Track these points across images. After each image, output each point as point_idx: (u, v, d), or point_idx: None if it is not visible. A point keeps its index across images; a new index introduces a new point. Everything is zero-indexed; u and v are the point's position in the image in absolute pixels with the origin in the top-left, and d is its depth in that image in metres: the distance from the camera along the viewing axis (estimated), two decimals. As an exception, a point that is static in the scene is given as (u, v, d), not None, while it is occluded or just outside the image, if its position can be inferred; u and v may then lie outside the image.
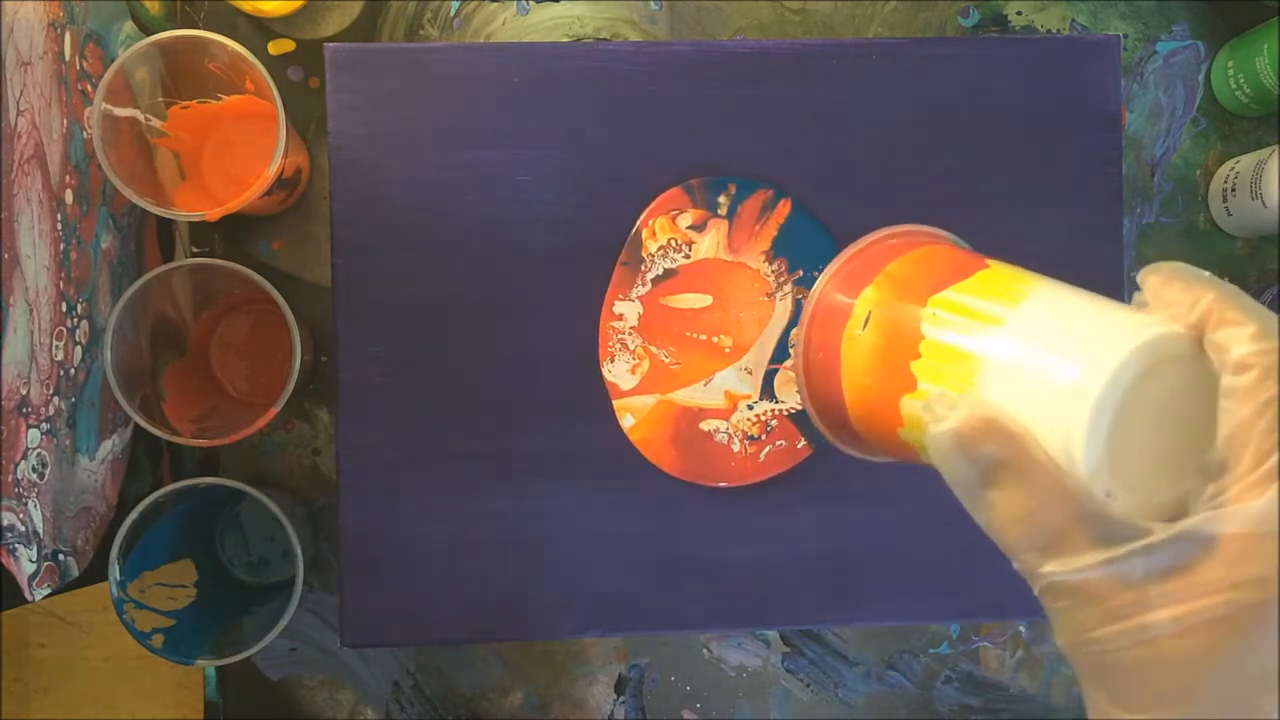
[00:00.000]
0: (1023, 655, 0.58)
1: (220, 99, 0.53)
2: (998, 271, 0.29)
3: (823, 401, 0.32)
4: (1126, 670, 0.24)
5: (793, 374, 0.51)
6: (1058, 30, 0.58)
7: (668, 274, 0.51)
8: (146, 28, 0.54)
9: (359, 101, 0.50)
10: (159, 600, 0.50)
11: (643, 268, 0.51)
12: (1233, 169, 0.56)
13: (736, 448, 0.51)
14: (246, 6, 0.54)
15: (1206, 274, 0.27)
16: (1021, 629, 0.58)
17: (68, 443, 0.48)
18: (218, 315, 0.56)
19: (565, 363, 0.51)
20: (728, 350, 0.51)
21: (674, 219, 0.51)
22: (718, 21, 0.57)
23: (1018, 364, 0.26)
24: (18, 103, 0.43)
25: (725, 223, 0.51)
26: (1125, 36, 0.58)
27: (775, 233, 0.51)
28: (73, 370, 0.48)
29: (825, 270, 0.32)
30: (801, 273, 0.51)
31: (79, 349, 0.49)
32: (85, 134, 0.49)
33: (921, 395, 0.28)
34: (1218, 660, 0.23)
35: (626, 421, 0.51)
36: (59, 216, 0.47)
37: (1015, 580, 0.53)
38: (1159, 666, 0.24)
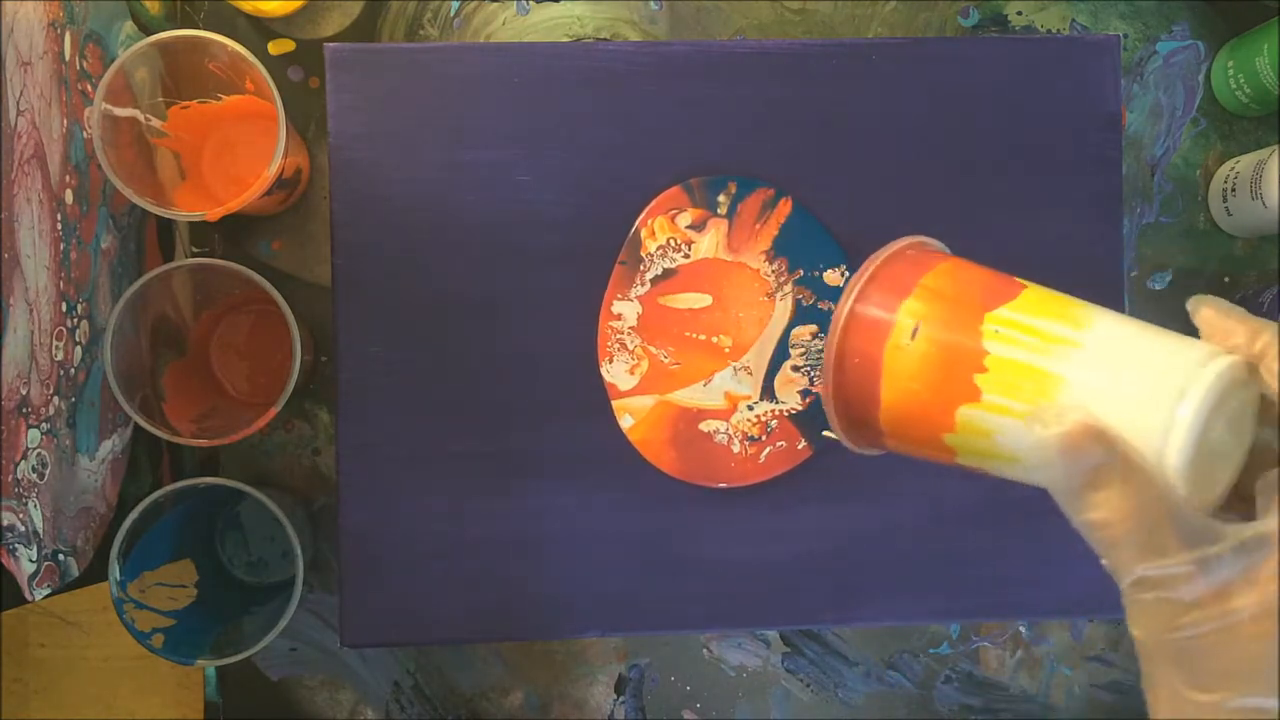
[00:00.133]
0: (1023, 655, 0.58)
1: (220, 99, 0.53)
2: (1041, 293, 0.33)
3: (850, 402, 0.34)
4: (1206, 654, 0.27)
5: (794, 375, 0.51)
6: (1058, 30, 0.58)
7: (667, 274, 0.51)
8: (146, 28, 0.54)
9: (359, 101, 0.50)
10: (159, 600, 0.50)
11: (641, 267, 0.51)
12: (1233, 169, 0.56)
13: (736, 448, 0.51)
14: (246, 6, 0.54)
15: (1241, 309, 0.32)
16: (1021, 629, 0.58)
17: (68, 443, 0.48)
18: (218, 315, 0.56)
19: (565, 363, 0.51)
20: (727, 350, 0.51)
21: (673, 218, 0.51)
22: (718, 21, 0.57)
23: (1106, 381, 0.29)
24: (18, 103, 0.44)
25: (725, 222, 0.51)
26: (1125, 36, 0.58)
27: (776, 232, 0.51)
28: (73, 370, 0.49)
29: (852, 281, 0.34)
30: (802, 272, 0.51)
31: (79, 349, 0.49)
32: (85, 134, 0.49)
33: (994, 407, 0.31)
34: None
35: (625, 422, 0.51)
36: (59, 216, 0.47)
37: (1015, 580, 0.53)
38: (1236, 647, 0.27)
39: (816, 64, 0.51)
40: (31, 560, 0.45)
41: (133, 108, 0.49)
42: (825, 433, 0.50)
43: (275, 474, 0.56)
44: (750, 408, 0.51)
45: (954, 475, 0.51)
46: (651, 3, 0.57)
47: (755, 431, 0.51)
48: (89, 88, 0.50)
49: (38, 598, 0.46)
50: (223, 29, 0.55)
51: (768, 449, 0.51)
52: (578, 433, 0.51)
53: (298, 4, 0.55)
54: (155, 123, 0.51)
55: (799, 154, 0.51)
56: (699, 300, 0.51)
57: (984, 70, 0.52)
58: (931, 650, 0.58)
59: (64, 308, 0.48)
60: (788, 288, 0.51)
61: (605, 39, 0.57)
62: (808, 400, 0.51)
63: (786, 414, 0.51)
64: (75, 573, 0.49)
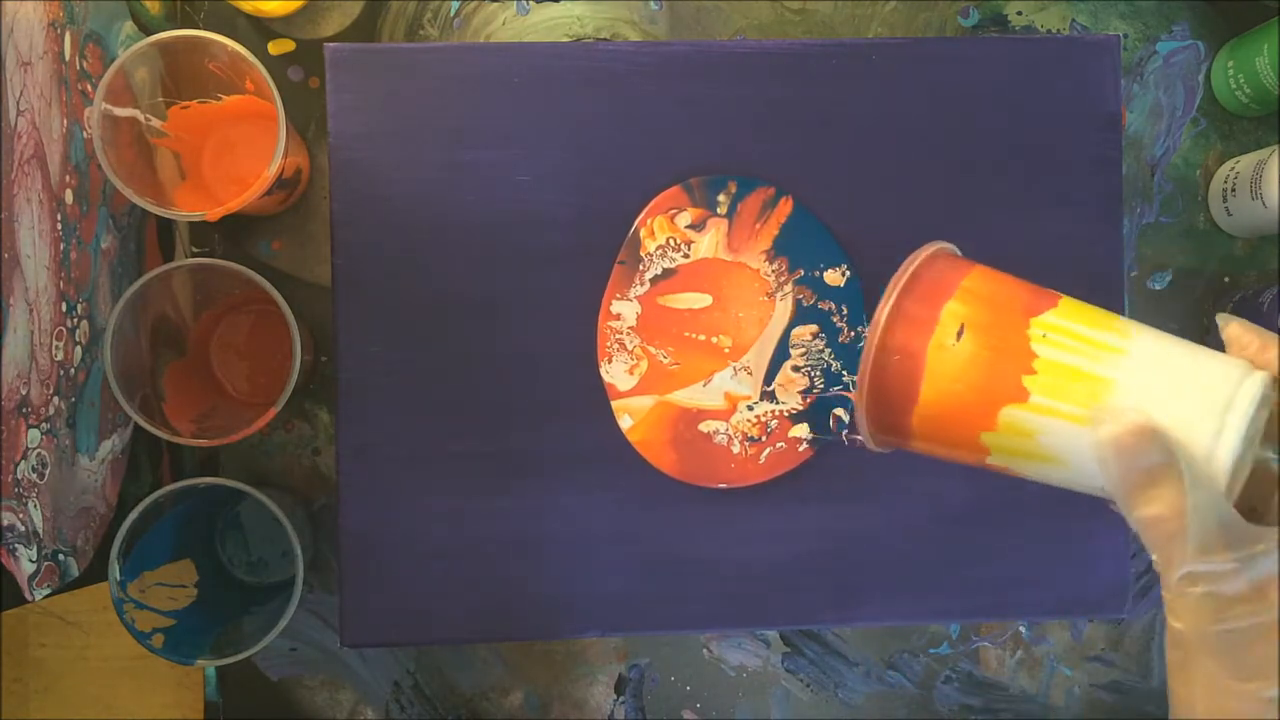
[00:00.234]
0: (1022, 655, 0.58)
1: (220, 99, 0.53)
2: (1076, 303, 0.34)
3: (886, 399, 0.35)
4: (1246, 646, 0.29)
5: (794, 376, 0.51)
6: (1058, 30, 0.58)
7: (666, 274, 0.51)
8: (146, 28, 0.54)
9: (359, 101, 0.50)
10: (159, 600, 0.50)
11: (641, 267, 0.51)
12: (1233, 169, 0.56)
13: (736, 449, 0.51)
14: (246, 6, 0.54)
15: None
16: (1021, 629, 0.58)
17: (68, 443, 0.48)
18: (218, 315, 0.56)
19: (564, 363, 0.51)
20: (727, 351, 0.51)
21: (672, 218, 0.51)
22: (718, 21, 0.57)
23: (1156, 387, 0.32)
24: (18, 103, 0.44)
25: (725, 221, 0.51)
26: (1125, 36, 0.58)
27: (776, 231, 0.51)
28: (73, 370, 0.49)
29: (894, 279, 0.36)
30: (802, 272, 0.51)
31: (79, 349, 0.49)
32: (85, 134, 0.49)
33: (1041, 409, 0.32)
34: None
35: (625, 422, 0.51)
36: (59, 216, 0.47)
37: (1015, 580, 0.53)
38: (1273, 640, 0.29)
39: (816, 64, 0.51)
40: (31, 560, 0.45)
41: (133, 108, 0.49)
42: (846, 434, 0.50)
43: (275, 474, 0.56)
44: (750, 408, 0.51)
45: (954, 475, 0.51)
46: (651, 3, 0.57)
47: (755, 432, 0.51)
48: (89, 88, 0.50)
49: (38, 598, 0.46)
50: (223, 29, 0.55)
51: (768, 450, 0.51)
52: (578, 433, 0.51)
53: (298, 4, 0.55)
54: (155, 123, 0.51)
55: (799, 154, 0.51)
56: (699, 300, 0.51)
57: (984, 70, 0.52)
58: (931, 650, 0.58)
59: (64, 308, 0.48)
60: (788, 288, 0.51)
61: (605, 39, 0.57)
62: (808, 400, 0.51)
63: (787, 414, 0.51)
64: (75, 573, 0.49)
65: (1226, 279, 0.58)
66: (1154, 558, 0.31)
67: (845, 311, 0.51)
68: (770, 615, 0.52)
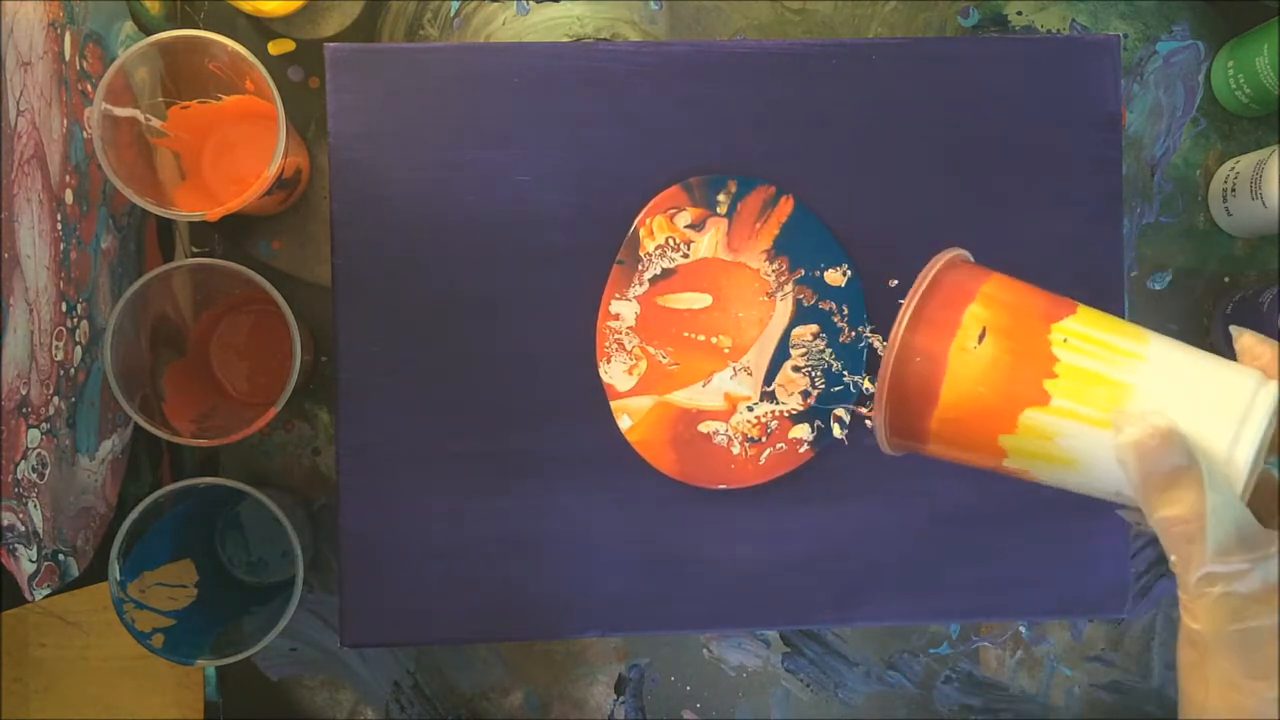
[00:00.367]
0: (1022, 655, 0.58)
1: (220, 99, 0.53)
2: (1093, 311, 0.35)
3: (907, 400, 0.36)
4: (1262, 646, 0.30)
5: (794, 376, 0.51)
6: (1058, 30, 0.58)
7: (665, 273, 0.51)
8: (146, 28, 0.54)
9: (359, 101, 0.50)
10: (159, 600, 0.50)
11: (640, 267, 0.51)
12: (1233, 169, 0.56)
13: (736, 450, 0.51)
14: (246, 6, 0.54)
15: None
16: (1021, 629, 0.58)
17: (68, 443, 0.48)
18: (218, 315, 0.56)
19: (564, 363, 0.51)
20: (726, 351, 0.51)
21: (672, 218, 0.51)
22: (718, 21, 0.57)
23: (1175, 392, 0.32)
24: (18, 103, 0.44)
25: (725, 221, 0.51)
26: (1125, 36, 0.58)
27: (777, 231, 0.51)
28: (73, 370, 0.49)
29: (917, 282, 0.36)
30: (803, 272, 0.51)
31: (79, 349, 0.49)
32: (85, 134, 0.49)
33: (1062, 412, 0.33)
34: None
35: (624, 423, 0.51)
36: (59, 216, 0.47)
37: (1015, 580, 0.53)
38: None
39: (816, 64, 0.51)
40: (31, 560, 0.45)
41: (133, 108, 0.49)
42: (867, 422, 0.51)
43: (275, 474, 0.56)
44: (750, 409, 0.51)
45: (954, 476, 0.51)
46: (651, 3, 0.57)
47: (755, 433, 0.51)
48: (89, 88, 0.50)
49: (38, 598, 0.46)
50: (223, 29, 0.55)
51: (768, 450, 0.51)
52: (577, 433, 0.51)
53: (298, 4, 0.55)
54: (155, 123, 0.51)
55: (799, 154, 0.51)
56: (698, 300, 0.51)
57: (984, 70, 0.52)
58: (931, 650, 0.58)
59: (64, 308, 0.48)
60: (788, 287, 0.51)
61: (605, 39, 0.57)
62: (808, 401, 0.51)
63: (787, 415, 0.51)
64: (75, 573, 0.49)
65: (1226, 279, 0.58)
66: (1172, 559, 0.31)
67: (846, 311, 0.51)
68: (770, 615, 0.52)
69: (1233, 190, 0.56)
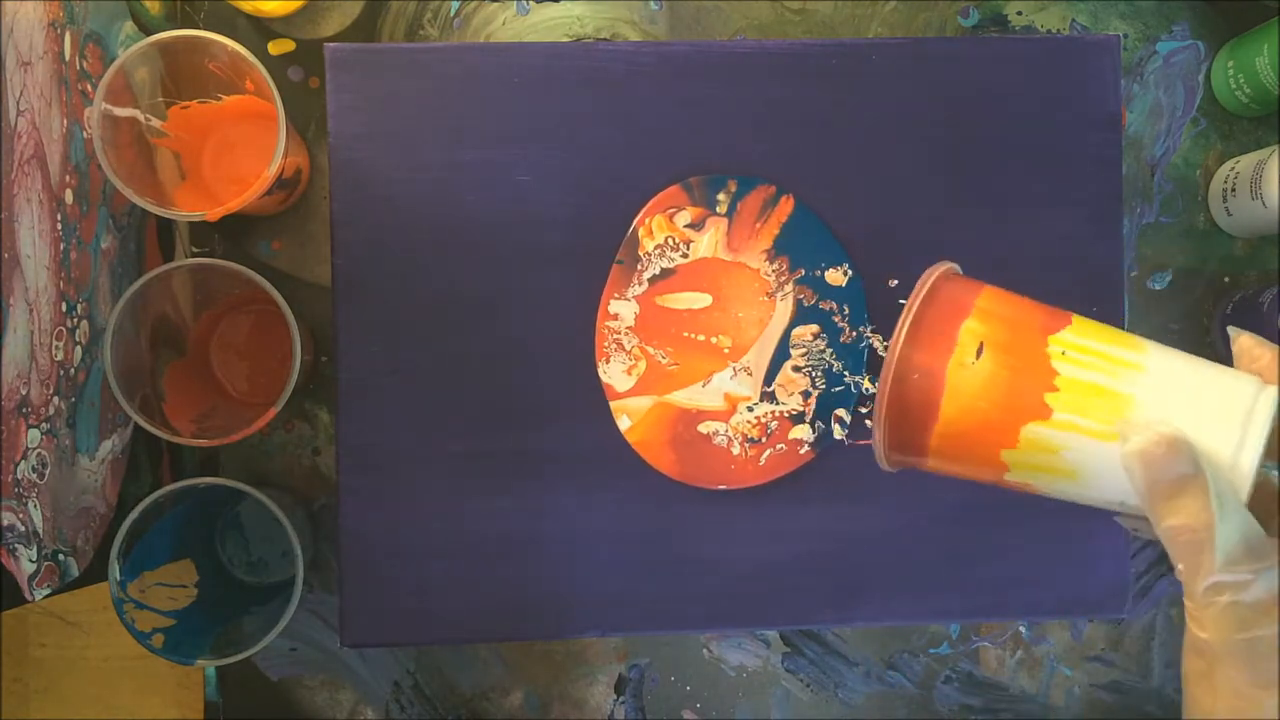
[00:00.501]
0: (1023, 655, 0.58)
1: (220, 99, 0.53)
2: (1088, 321, 0.35)
3: (906, 417, 0.36)
4: (1271, 651, 0.30)
5: (794, 376, 0.51)
6: (1058, 30, 0.58)
7: (665, 273, 0.51)
8: (146, 28, 0.54)
9: (359, 101, 0.50)
10: (159, 600, 0.50)
11: (639, 267, 0.51)
12: (1233, 169, 0.56)
13: (736, 450, 0.51)
14: (246, 6, 0.54)
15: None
16: (1021, 629, 0.58)
17: (68, 443, 0.48)
18: (218, 315, 0.56)
19: (563, 363, 0.51)
20: (726, 351, 0.51)
21: (671, 217, 0.51)
22: (718, 21, 0.57)
23: (1176, 401, 0.32)
24: (18, 103, 0.44)
25: (724, 221, 0.51)
26: (1125, 36, 0.58)
27: (777, 231, 0.51)
28: (73, 370, 0.49)
29: (911, 298, 0.36)
30: (803, 272, 0.51)
31: (79, 349, 0.49)
32: (85, 134, 0.49)
33: (1064, 425, 0.33)
34: None
35: (623, 423, 0.51)
36: (59, 216, 0.47)
37: (1015, 580, 0.53)
38: None
39: (816, 64, 0.51)
40: (31, 560, 0.45)
41: (133, 108, 0.49)
42: (848, 436, 0.51)
43: (275, 474, 0.56)
44: (750, 409, 0.51)
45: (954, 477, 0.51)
46: (651, 3, 0.57)
47: (755, 433, 0.51)
48: (89, 88, 0.50)
49: (38, 598, 0.46)
50: (223, 29, 0.55)
51: (768, 451, 0.51)
52: (577, 433, 0.51)
53: (298, 4, 0.55)
54: (155, 123, 0.51)
55: (799, 154, 0.51)
56: (698, 300, 0.51)
57: (984, 70, 0.52)
58: (931, 650, 0.58)
59: (64, 308, 0.48)
60: (788, 287, 0.51)
61: (605, 39, 0.57)
62: (809, 401, 0.51)
63: (787, 415, 0.51)
64: (75, 573, 0.49)
65: (1226, 279, 0.58)
66: (1179, 567, 0.31)
67: (847, 311, 0.51)
68: (770, 615, 0.52)
69: (1233, 190, 0.56)
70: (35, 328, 0.45)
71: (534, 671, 0.57)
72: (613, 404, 0.51)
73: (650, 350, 0.51)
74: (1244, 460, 0.32)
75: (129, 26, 0.53)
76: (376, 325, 0.50)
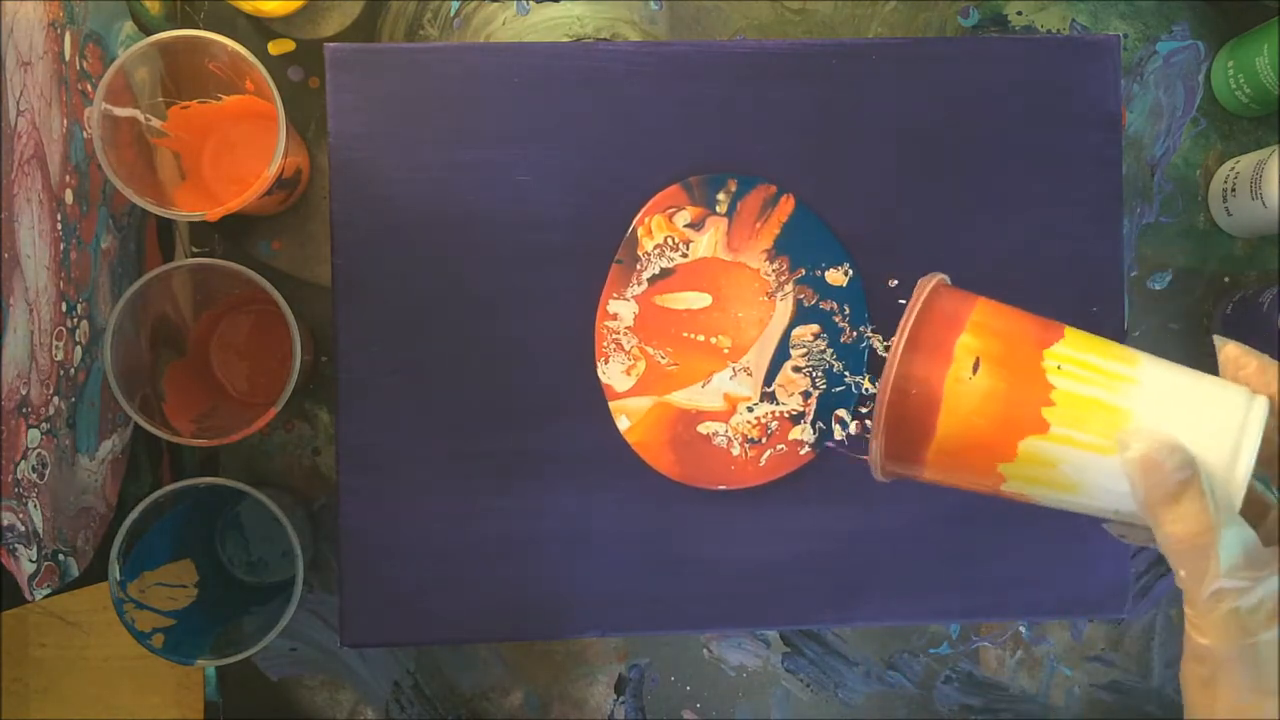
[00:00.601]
0: (1023, 655, 0.58)
1: (220, 99, 0.53)
2: (1081, 333, 0.36)
3: (902, 432, 0.36)
4: (1272, 657, 0.31)
5: (794, 376, 0.51)
6: (1058, 30, 0.58)
7: (664, 273, 0.51)
8: (146, 28, 0.54)
9: (359, 101, 0.50)
10: (159, 600, 0.50)
11: (638, 267, 0.51)
12: (1233, 169, 0.56)
13: (736, 451, 0.51)
14: (246, 6, 0.54)
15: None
16: (1021, 629, 0.58)
17: (68, 443, 0.48)
18: (218, 315, 0.56)
19: (564, 363, 0.51)
20: (726, 351, 0.51)
21: (670, 217, 0.51)
22: (718, 21, 0.57)
23: (1171, 413, 0.33)
24: (18, 103, 0.44)
25: (724, 220, 0.51)
26: (1125, 36, 0.58)
27: (778, 230, 0.51)
28: (73, 370, 0.49)
29: (905, 316, 0.36)
30: (804, 271, 0.51)
31: (79, 349, 0.49)
32: (85, 134, 0.49)
33: (1061, 439, 0.33)
34: None
35: (622, 424, 0.51)
36: (59, 216, 0.47)
37: (1015, 580, 0.53)
38: None
39: (816, 64, 0.51)
40: (31, 560, 0.45)
41: (133, 108, 0.49)
42: (845, 448, 0.51)
43: (275, 474, 0.56)
44: (750, 409, 0.51)
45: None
46: (651, 3, 0.57)
47: (755, 434, 0.51)
48: (89, 88, 0.50)
49: (38, 598, 0.46)
50: (223, 29, 0.55)
51: (768, 452, 0.51)
52: (577, 433, 0.51)
53: (298, 4, 0.55)
54: (155, 123, 0.51)
55: (798, 154, 0.51)
56: (698, 300, 0.51)
57: (983, 70, 0.52)
58: (931, 650, 0.58)
59: (64, 308, 0.48)
60: (788, 287, 0.51)
61: (605, 39, 0.57)
62: (809, 402, 0.51)
63: (787, 415, 0.51)
64: (75, 573, 0.49)
65: (1226, 279, 0.58)
66: (1180, 574, 0.32)
67: (847, 311, 0.51)
68: (770, 615, 0.52)
69: (1233, 190, 0.56)
70: (35, 328, 0.45)
71: (534, 671, 0.57)
72: (612, 404, 0.51)
73: (650, 350, 0.51)
74: (1238, 470, 0.32)
75: (129, 26, 0.53)
76: (376, 325, 0.50)
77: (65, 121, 0.48)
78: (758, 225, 0.51)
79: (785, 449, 0.51)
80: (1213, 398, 0.33)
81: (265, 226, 0.56)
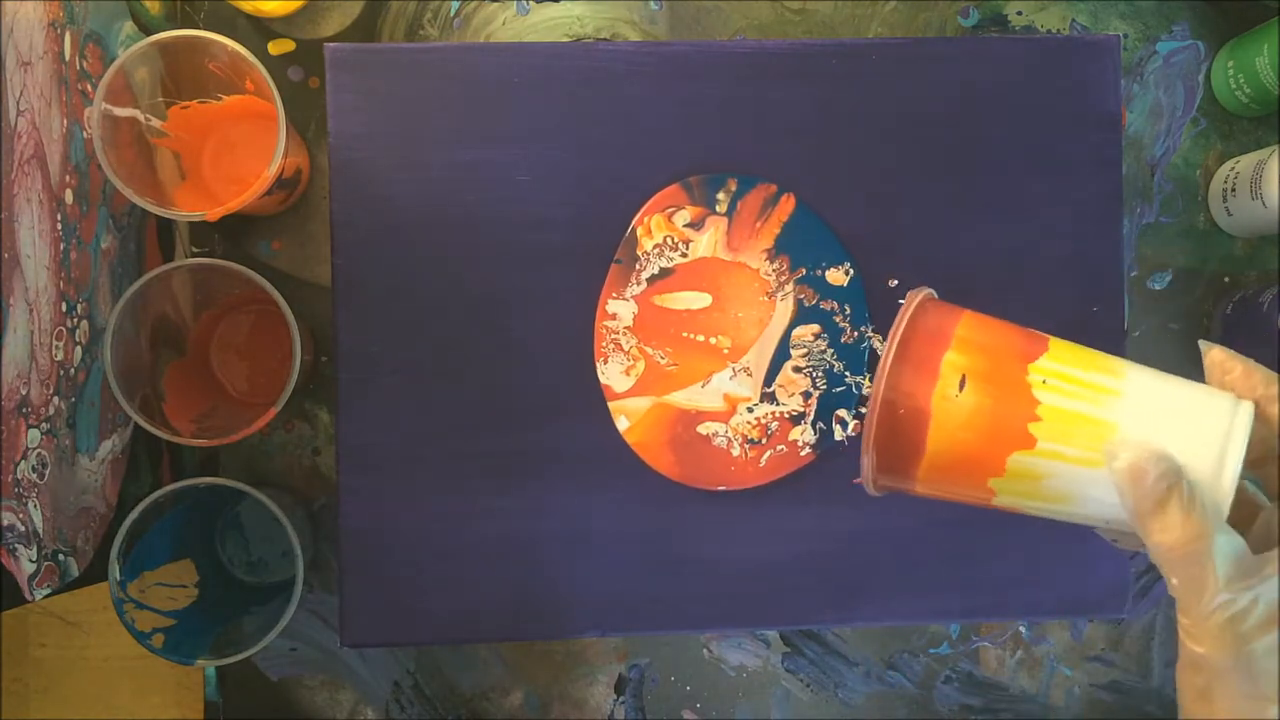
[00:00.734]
0: (1023, 655, 0.58)
1: (220, 99, 0.53)
2: (1065, 344, 0.36)
3: (893, 448, 0.36)
4: (1268, 664, 0.31)
5: (795, 376, 0.51)
6: (1058, 30, 0.58)
7: (663, 273, 0.51)
8: (146, 28, 0.54)
9: (359, 101, 0.50)
10: (159, 600, 0.50)
11: (637, 266, 0.51)
12: (1233, 169, 0.56)
13: (736, 451, 0.51)
14: (246, 6, 0.54)
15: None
16: (1021, 629, 0.58)
17: (68, 443, 0.48)
18: (218, 315, 0.56)
19: (564, 363, 0.51)
20: (726, 351, 0.51)
21: (670, 216, 0.51)
22: (718, 21, 0.57)
23: (1156, 425, 0.33)
24: (18, 103, 0.44)
25: (724, 220, 0.51)
26: (1125, 36, 0.58)
27: (778, 230, 0.51)
28: (73, 370, 0.49)
29: (891, 333, 0.36)
30: (804, 271, 0.51)
31: (79, 349, 0.49)
32: (85, 134, 0.49)
33: (1049, 453, 0.34)
34: None
35: (621, 424, 0.51)
36: (59, 216, 0.47)
37: (1015, 580, 0.53)
38: None
39: (816, 64, 0.51)
40: (31, 560, 0.45)
41: (133, 108, 0.49)
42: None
43: (275, 474, 0.56)
44: (750, 410, 0.51)
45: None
46: (651, 3, 0.57)
47: (755, 434, 0.51)
48: (89, 88, 0.50)
49: (38, 598, 0.46)
50: (223, 29, 0.55)
51: (768, 452, 0.51)
52: (577, 433, 0.51)
53: (298, 4, 0.55)
54: (155, 123, 0.51)
55: (798, 154, 0.51)
56: (697, 300, 0.51)
57: (983, 70, 0.52)
58: (931, 650, 0.58)
59: (64, 308, 0.48)
60: (789, 287, 0.51)
61: (605, 39, 0.57)
62: (809, 402, 0.51)
63: (787, 416, 0.51)
64: (75, 573, 0.49)
65: (1226, 279, 0.58)
66: (1172, 582, 0.32)
67: (848, 311, 0.51)
68: (770, 615, 0.52)
69: (1233, 190, 0.56)
70: (35, 328, 0.45)
71: (534, 671, 0.57)
72: (611, 404, 0.51)
73: (649, 350, 0.51)
74: (1224, 477, 0.32)
75: (129, 26, 0.53)
76: (376, 325, 0.50)
77: (65, 121, 0.48)
78: (758, 225, 0.51)
79: (785, 449, 0.51)
80: (1198, 405, 0.33)
81: (265, 226, 0.56)
